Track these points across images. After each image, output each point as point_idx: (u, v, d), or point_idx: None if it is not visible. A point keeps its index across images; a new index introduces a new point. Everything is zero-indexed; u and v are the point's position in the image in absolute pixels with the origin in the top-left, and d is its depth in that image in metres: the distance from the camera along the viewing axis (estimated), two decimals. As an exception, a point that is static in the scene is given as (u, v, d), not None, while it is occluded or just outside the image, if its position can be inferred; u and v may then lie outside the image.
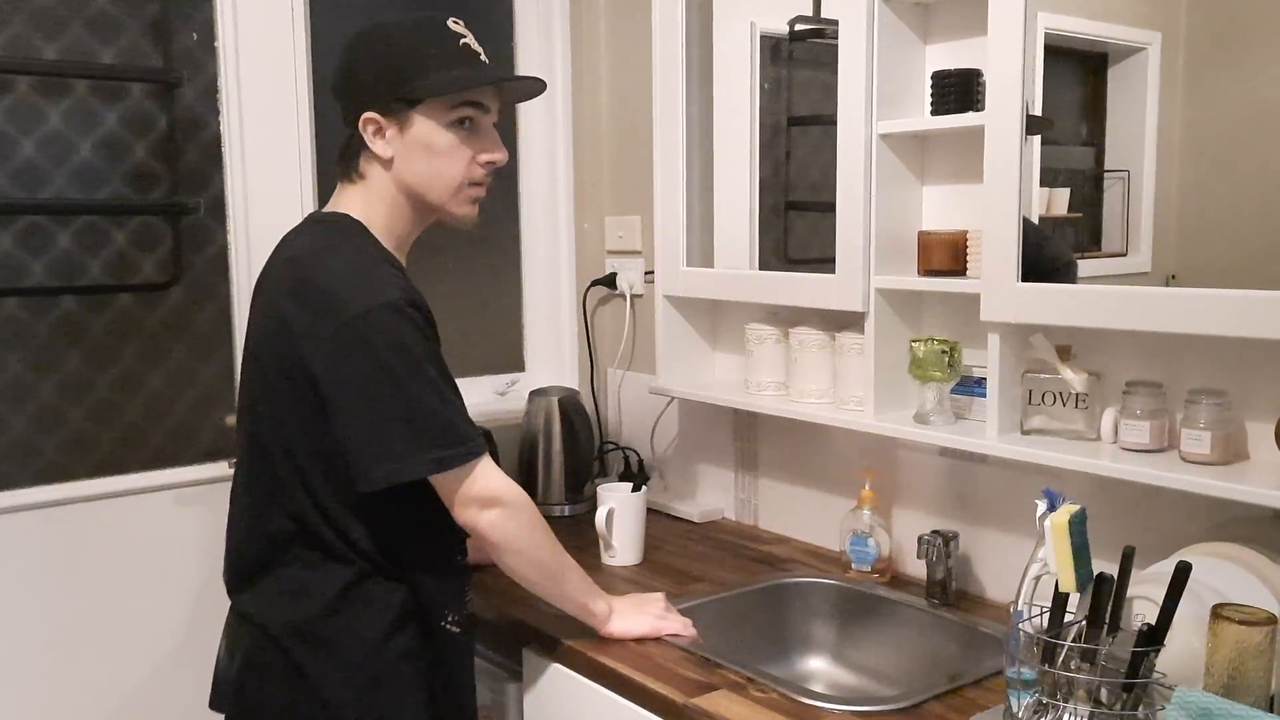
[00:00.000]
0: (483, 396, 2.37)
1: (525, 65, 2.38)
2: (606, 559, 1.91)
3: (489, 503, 1.38)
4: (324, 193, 2.08)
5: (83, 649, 1.90)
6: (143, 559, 1.94)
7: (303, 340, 1.33)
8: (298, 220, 2.03)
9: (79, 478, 1.88)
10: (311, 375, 1.32)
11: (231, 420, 2.01)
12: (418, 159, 1.40)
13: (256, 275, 1.99)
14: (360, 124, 1.40)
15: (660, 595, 1.64)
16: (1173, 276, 1.44)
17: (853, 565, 1.81)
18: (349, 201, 1.45)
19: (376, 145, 1.40)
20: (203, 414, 2.00)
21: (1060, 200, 1.56)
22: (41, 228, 1.83)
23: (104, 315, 1.89)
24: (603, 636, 1.54)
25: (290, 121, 2.03)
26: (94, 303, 1.88)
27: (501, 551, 1.42)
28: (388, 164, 1.41)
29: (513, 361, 2.46)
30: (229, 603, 1.47)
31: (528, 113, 2.40)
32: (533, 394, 2.30)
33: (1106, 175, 1.53)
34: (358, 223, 1.42)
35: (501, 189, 2.39)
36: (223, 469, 1.98)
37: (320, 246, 1.40)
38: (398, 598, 1.39)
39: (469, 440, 1.36)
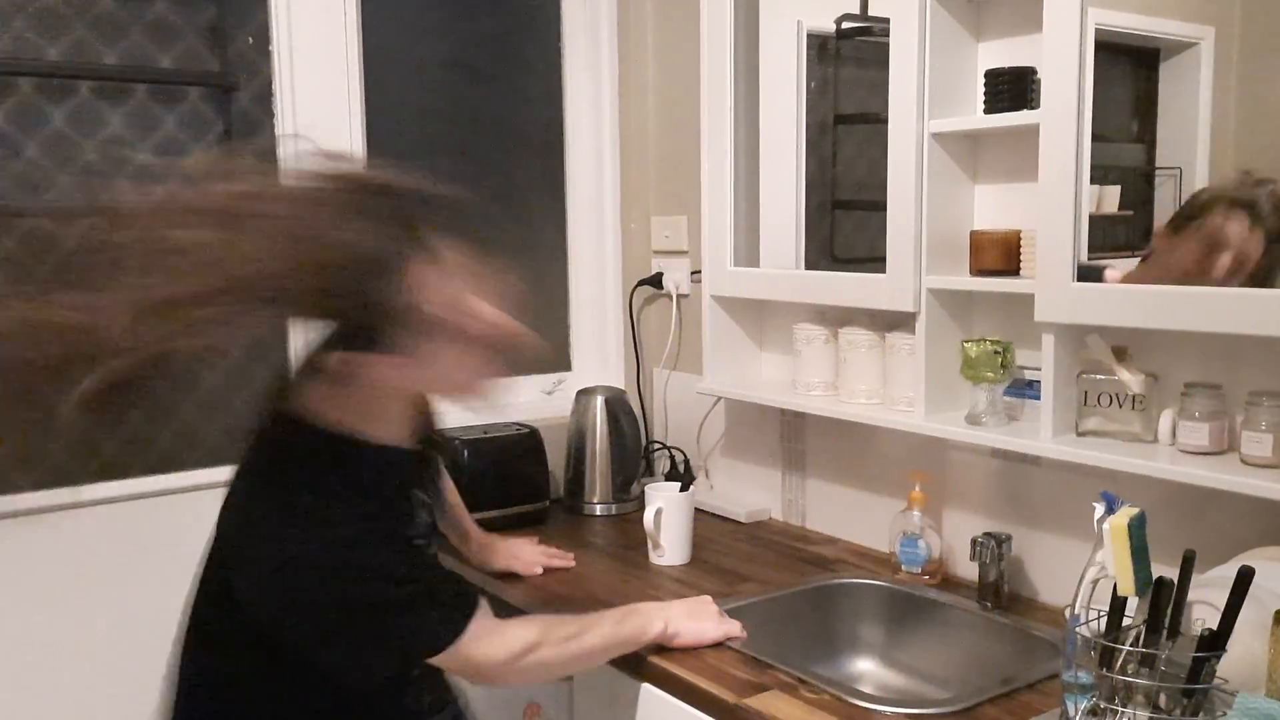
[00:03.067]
0: (530, 396, 2.39)
1: (573, 67, 2.39)
2: (654, 558, 1.91)
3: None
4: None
5: (142, 643, 1.93)
6: (198, 555, 1.97)
7: None
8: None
9: (137, 474, 1.92)
10: None
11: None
12: None
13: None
14: None
15: (709, 598, 1.63)
16: (1226, 276, 1.42)
17: (903, 567, 1.80)
18: None
19: None
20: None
21: (1111, 198, 1.54)
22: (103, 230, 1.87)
23: (162, 315, 1.93)
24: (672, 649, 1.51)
25: (343, 125, 2.06)
26: (152, 303, 1.92)
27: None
28: None
29: (559, 361, 2.47)
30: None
31: (575, 114, 2.41)
32: (579, 393, 2.31)
33: (1158, 172, 1.51)
34: None
35: (549, 190, 2.41)
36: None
37: None
38: None
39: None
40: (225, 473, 1.95)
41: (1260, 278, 1.36)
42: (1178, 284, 1.39)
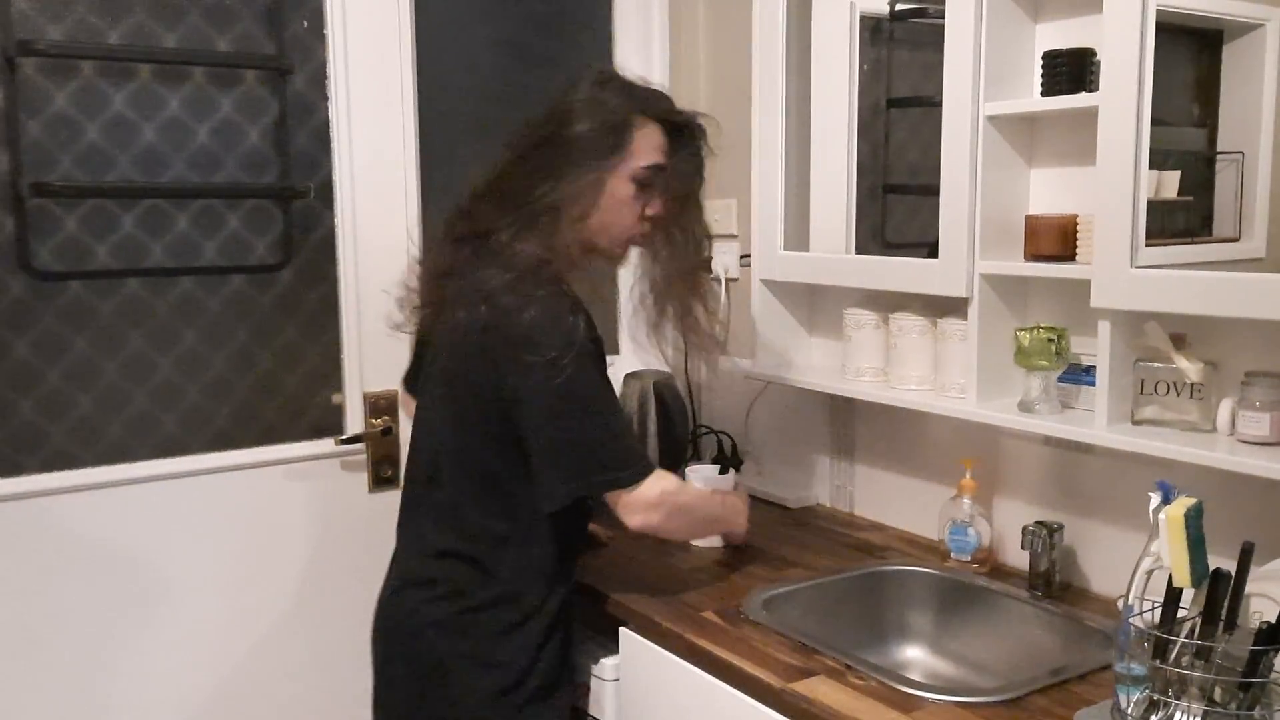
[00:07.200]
0: (578, 378, 2.39)
1: (624, 50, 2.39)
2: (698, 541, 1.91)
3: (651, 509, 1.55)
4: (426, 177, 2.13)
5: (197, 615, 1.98)
6: (254, 530, 2.01)
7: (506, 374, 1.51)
8: (402, 204, 2.11)
9: (195, 451, 1.96)
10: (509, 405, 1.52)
11: (338, 399, 2.09)
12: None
13: (362, 258, 2.07)
14: None
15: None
16: (1288, 262, 1.39)
17: (952, 554, 1.78)
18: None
19: None
20: (311, 392, 2.07)
21: (1170, 183, 1.51)
22: (162, 210, 1.90)
23: (219, 295, 1.97)
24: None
25: (395, 107, 2.08)
26: (210, 283, 1.96)
27: (670, 537, 1.81)
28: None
29: (608, 344, 2.46)
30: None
31: (625, 96, 2.40)
32: (628, 376, 2.31)
33: (1219, 157, 1.47)
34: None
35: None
36: (328, 445, 2.05)
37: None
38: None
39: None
40: (281, 451, 2.02)
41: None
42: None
